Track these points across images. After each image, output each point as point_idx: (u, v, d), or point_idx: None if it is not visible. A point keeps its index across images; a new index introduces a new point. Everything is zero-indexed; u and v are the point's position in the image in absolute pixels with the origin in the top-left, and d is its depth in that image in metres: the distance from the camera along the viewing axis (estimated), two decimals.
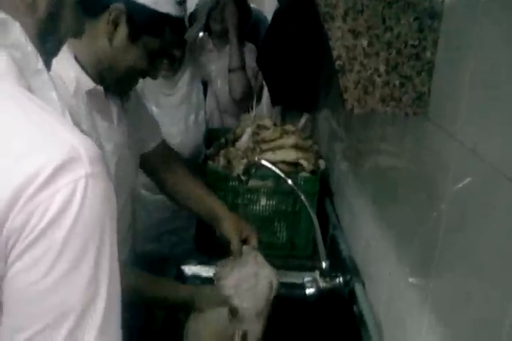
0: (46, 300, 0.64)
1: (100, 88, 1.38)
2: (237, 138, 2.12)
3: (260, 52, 2.63)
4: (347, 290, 1.51)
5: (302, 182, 1.89)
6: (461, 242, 0.86)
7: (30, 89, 0.72)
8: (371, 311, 1.34)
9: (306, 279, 1.55)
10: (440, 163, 0.98)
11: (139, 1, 1.31)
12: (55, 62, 0.85)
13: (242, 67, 2.69)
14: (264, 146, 2.01)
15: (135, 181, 1.67)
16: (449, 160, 0.93)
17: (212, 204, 1.66)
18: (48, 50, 0.80)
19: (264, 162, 1.61)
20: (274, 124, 2.15)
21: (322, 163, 2.02)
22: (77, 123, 1.23)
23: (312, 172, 1.94)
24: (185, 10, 1.48)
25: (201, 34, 2.75)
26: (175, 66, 2.46)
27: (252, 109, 2.46)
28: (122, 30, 1.33)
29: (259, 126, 2.12)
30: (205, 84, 2.64)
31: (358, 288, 1.45)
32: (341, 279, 1.52)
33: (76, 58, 1.35)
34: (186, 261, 1.76)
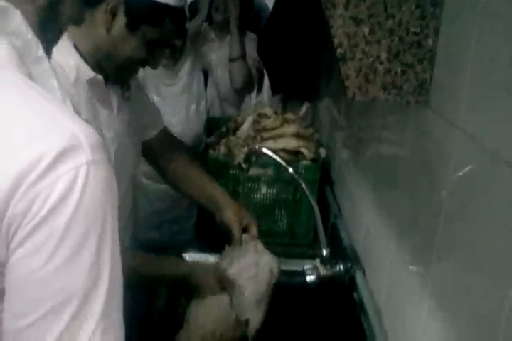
0: (48, 286, 0.65)
1: (100, 77, 1.37)
2: (237, 127, 2.12)
3: (261, 40, 2.62)
4: (347, 278, 1.51)
5: (303, 171, 1.89)
6: (461, 230, 0.87)
7: (30, 77, 0.72)
8: (371, 298, 1.34)
9: (307, 267, 1.55)
10: (441, 150, 0.98)
11: None
12: (55, 50, 0.85)
13: (243, 57, 2.68)
14: (265, 135, 2.01)
15: (136, 169, 1.67)
16: (450, 148, 0.93)
17: (213, 192, 1.66)
18: (48, 38, 0.80)
19: (264, 150, 1.61)
20: (275, 113, 2.15)
21: (323, 152, 2.02)
22: (77, 112, 1.24)
23: (313, 160, 1.94)
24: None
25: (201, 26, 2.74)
26: (176, 55, 2.46)
27: (252, 96, 2.46)
28: (120, 20, 1.32)
29: (259, 115, 2.12)
30: (205, 74, 2.64)
31: (358, 276, 1.46)
32: (342, 267, 1.52)
33: (75, 47, 1.35)
34: (187, 250, 1.77)
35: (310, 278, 1.53)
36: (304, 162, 1.93)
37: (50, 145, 0.63)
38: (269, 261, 1.46)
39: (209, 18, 2.75)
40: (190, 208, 2.48)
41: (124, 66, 1.40)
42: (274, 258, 1.48)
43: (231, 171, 1.93)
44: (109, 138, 1.41)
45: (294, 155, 1.94)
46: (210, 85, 2.65)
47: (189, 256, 1.74)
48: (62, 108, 0.71)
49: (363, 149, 1.62)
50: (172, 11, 1.37)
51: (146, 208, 2.44)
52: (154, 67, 1.47)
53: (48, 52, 0.79)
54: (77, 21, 0.88)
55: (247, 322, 1.37)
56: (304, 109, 2.20)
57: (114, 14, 1.31)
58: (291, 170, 1.60)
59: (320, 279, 1.53)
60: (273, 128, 2.02)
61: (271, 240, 1.87)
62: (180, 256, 1.74)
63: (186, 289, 1.40)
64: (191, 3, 2.66)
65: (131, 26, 1.33)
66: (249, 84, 2.76)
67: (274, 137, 1.98)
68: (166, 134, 1.77)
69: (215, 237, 1.69)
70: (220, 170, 1.91)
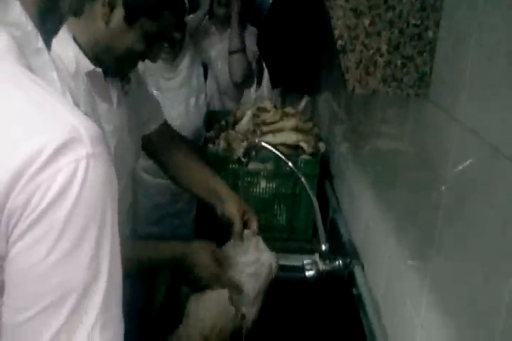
0: (48, 280, 0.64)
1: (99, 70, 1.37)
2: (237, 121, 2.12)
3: (260, 33, 2.62)
4: (346, 273, 1.51)
5: (302, 165, 1.89)
6: (460, 224, 0.87)
7: (30, 69, 0.72)
8: (370, 293, 1.35)
9: (306, 262, 1.55)
10: (441, 144, 0.98)
11: None
12: (55, 42, 0.84)
13: (243, 50, 2.68)
14: (265, 129, 2.00)
15: (136, 163, 1.66)
16: (450, 142, 0.93)
17: (215, 185, 1.65)
18: (48, 30, 0.79)
19: (264, 144, 1.61)
20: (275, 107, 2.15)
21: (322, 146, 2.02)
22: (76, 104, 1.23)
23: (312, 154, 1.94)
24: None
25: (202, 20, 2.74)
26: (175, 49, 2.45)
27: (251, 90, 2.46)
28: (119, 13, 1.32)
29: (259, 109, 2.12)
30: (205, 67, 2.64)
31: (357, 271, 1.46)
32: (341, 262, 1.52)
33: (74, 39, 1.34)
34: None
35: (309, 273, 1.53)
36: (304, 156, 1.93)
37: (50, 137, 0.63)
38: (269, 258, 1.46)
39: (209, 12, 2.74)
40: (190, 203, 2.48)
41: (123, 59, 1.39)
42: (274, 255, 1.48)
43: (230, 165, 1.93)
44: (108, 132, 1.41)
45: (293, 150, 1.94)
46: (210, 79, 2.65)
47: None
48: (62, 100, 0.71)
49: (363, 143, 1.62)
50: (171, 3, 1.36)
51: (146, 203, 2.44)
52: (154, 60, 1.46)
53: (48, 43, 0.78)
54: (77, 12, 0.87)
55: (243, 316, 1.37)
56: (303, 102, 2.19)
57: (112, 7, 1.30)
58: (290, 164, 1.60)
59: (319, 274, 1.53)
60: (272, 122, 2.02)
61: (270, 235, 1.87)
62: None
63: (183, 271, 1.40)
64: None
65: (130, 19, 1.32)
66: (248, 78, 2.76)
67: (274, 131, 1.98)
68: (166, 128, 1.77)
69: (215, 232, 1.69)
70: (219, 165, 1.91)
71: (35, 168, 0.62)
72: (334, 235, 1.68)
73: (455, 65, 0.92)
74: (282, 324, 1.57)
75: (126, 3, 1.31)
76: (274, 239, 1.91)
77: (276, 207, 1.98)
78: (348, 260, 1.51)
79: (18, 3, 0.73)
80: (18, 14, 0.72)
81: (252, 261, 1.44)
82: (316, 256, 1.55)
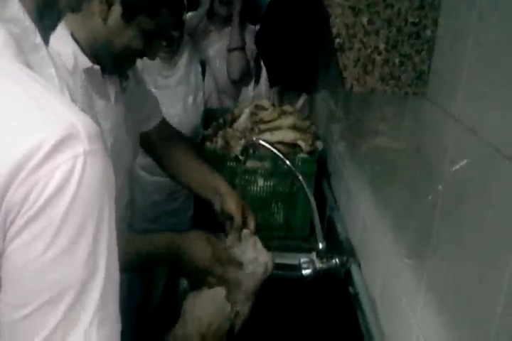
0: (45, 277, 0.64)
1: (97, 67, 1.37)
2: (235, 119, 2.12)
3: (259, 32, 2.62)
4: (343, 271, 1.51)
5: (300, 163, 1.89)
6: (457, 223, 0.87)
7: (28, 65, 0.71)
8: (367, 291, 1.35)
9: (303, 260, 1.55)
10: (438, 143, 0.98)
11: None
12: (53, 38, 0.84)
13: (242, 48, 2.68)
14: (262, 127, 2.00)
15: (134, 161, 1.66)
16: (448, 140, 0.93)
17: (214, 181, 1.65)
18: (46, 25, 0.79)
19: (262, 142, 1.61)
20: (272, 105, 2.15)
21: (320, 144, 2.02)
22: (73, 101, 1.23)
23: (310, 153, 1.94)
24: None
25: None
26: (173, 48, 2.45)
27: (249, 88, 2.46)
28: (116, 10, 1.32)
29: (257, 107, 2.11)
30: (203, 65, 2.64)
31: (354, 269, 1.46)
32: (338, 260, 1.52)
33: (72, 36, 1.34)
34: None
35: (306, 272, 1.53)
36: (301, 154, 1.92)
37: (47, 134, 0.63)
38: (266, 258, 1.46)
39: (208, 11, 2.73)
40: (188, 200, 2.49)
41: (121, 56, 1.39)
42: (270, 255, 1.48)
43: (228, 163, 1.93)
44: (106, 129, 1.40)
45: (290, 148, 1.94)
46: (208, 77, 2.64)
47: None
48: (61, 97, 0.71)
49: (360, 141, 1.62)
50: (169, 2, 1.36)
51: (144, 200, 2.44)
52: (152, 58, 1.46)
53: (46, 39, 0.78)
54: (75, 9, 0.87)
55: (236, 314, 1.37)
56: (301, 101, 2.19)
57: (110, 4, 1.30)
58: (288, 162, 1.60)
59: (316, 273, 1.53)
60: (270, 121, 2.02)
61: (267, 233, 1.88)
62: None
63: (180, 261, 1.39)
64: None
65: (127, 17, 1.32)
66: (246, 76, 2.75)
67: (271, 129, 1.98)
68: (164, 125, 1.77)
69: (212, 230, 1.69)
70: (217, 163, 1.91)
71: (33, 164, 0.62)
72: (331, 233, 1.68)
73: (453, 64, 0.92)
74: (279, 322, 1.57)
75: (123, 0, 1.31)
76: (271, 237, 1.92)
77: (273, 205, 1.98)
78: (344, 258, 1.51)
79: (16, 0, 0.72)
80: (16, 10, 0.72)
81: (250, 260, 1.44)
82: (313, 255, 1.55)
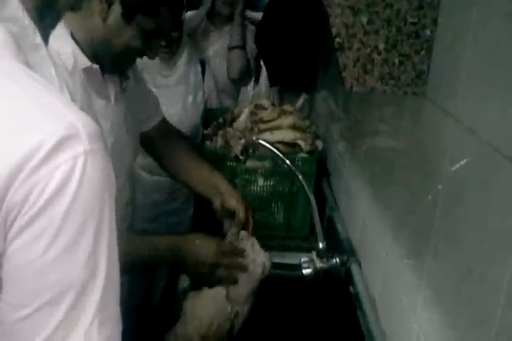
0: (46, 277, 0.64)
1: (96, 66, 1.37)
2: (234, 118, 2.12)
3: (258, 31, 2.62)
4: (343, 271, 1.51)
5: (300, 163, 1.88)
6: (457, 222, 0.87)
7: (28, 65, 0.71)
8: (367, 291, 1.35)
9: (303, 260, 1.55)
10: (438, 142, 0.98)
11: None
12: (52, 37, 0.84)
13: (243, 46, 2.67)
14: (262, 126, 2.00)
15: (134, 160, 1.66)
16: (447, 140, 0.93)
17: (214, 180, 1.65)
18: (45, 25, 0.79)
19: (261, 141, 1.61)
20: (272, 104, 2.15)
21: (319, 144, 2.02)
22: (73, 100, 1.23)
23: (309, 152, 1.94)
24: None
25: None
26: (172, 48, 2.45)
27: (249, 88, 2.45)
28: (116, 10, 1.32)
29: (257, 106, 2.11)
30: (203, 64, 2.63)
31: (354, 268, 1.46)
32: (338, 260, 1.52)
33: (72, 35, 1.34)
34: None
35: (306, 271, 1.53)
36: (301, 154, 1.92)
37: (48, 134, 0.63)
38: (263, 258, 1.47)
39: (209, 12, 2.72)
40: (188, 200, 2.49)
41: (121, 56, 1.39)
42: (268, 255, 1.49)
43: (228, 163, 1.93)
44: (106, 129, 1.41)
45: (290, 147, 1.94)
46: (208, 76, 2.64)
47: None
48: (61, 97, 0.71)
49: (360, 141, 1.62)
50: (169, 1, 1.36)
51: (144, 200, 2.44)
52: (152, 57, 1.46)
53: (45, 39, 0.78)
54: (74, 7, 0.87)
55: (236, 314, 1.38)
56: (301, 100, 2.19)
57: (110, 3, 1.30)
58: (288, 162, 1.60)
59: (316, 272, 1.53)
60: (270, 120, 2.02)
61: (267, 233, 1.88)
62: None
63: (181, 264, 1.40)
64: None
65: (127, 16, 1.32)
66: (245, 75, 2.75)
67: (271, 129, 1.97)
68: (164, 124, 1.77)
69: (212, 230, 1.69)
70: (217, 162, 1.90)
71: (34, 164, 0.62)
72: (331, 233, 1.68)
73: (452, 63, 0.92)
74: (279, 322, 1.57)
75: (123, 0, 1.31)
76: (272, 236, 1.92)
77: (273, 205, 1.97)
78: (345, 258, 1.51)
79: None
80: (16, 9, 0.72)
81: (248, 261, 1.45)
82: (313, 254, 1.55)
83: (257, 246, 1.49)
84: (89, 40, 1.35)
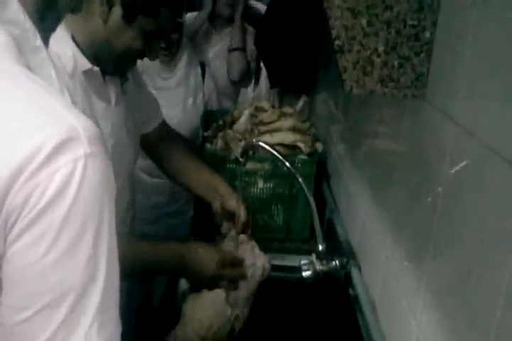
0: (46, 279, 0.64)
1: (96, 69, 1.37)
2: (234, 121, 2.12)
3: (258, 32, 2.62)
4: (343, 273, 1.51)
5: (299, 165, 1.88)
6: (457, 224, 0.87)
7: (28, 67, 0.71)
8: (367, 293, 1.35)
9: (303, 262, 1.55)
10: (437, 145, 0.98)
11: None
12: (53, 40, 0.84)
13: (243, 48, 2.67)
14: (262, 128, 2.00)
15: (134, 162, 1.67)
16: (447, 143, 0.93)
17: (214, 182, 1.66)
18: (45, 27, 0.79)
19: (261, 144, 1.61)
20: (272, 106, 2.15)
21: (319, 146, 2.02)
22: (73, 103, 1.23)
23: (309, 154, 1.94)
24: None
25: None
26: (172, 50, 2.45)
27: (249, 90, 2.45)
28: (117, 11, 1.32)
29: (257, 108, 2.11)
30: (202, 66, 2.63)
31: (354, 271, 1.46)
32: (338, 262, 1.52)
33: (73, 38, 1.34)
34: None
35: (306, 273, 1.53)
36: (301, 156, 1.92)
37: (48, 137, 0.63)
38: (263, 261, 1.47)
39: (210, 13, 2.72)
40: (188, 203, 2.49)
41: (122, 57, 1.39)
42: (267, 258, 1.49)
43: (228, 165, 1.93)
44: (106, 131, 1.41)
45: (290, 150, 1.94)
46: (208, 78, 2.64)
47: None
48: (61, 99, 0.71)
49: (360, 143, 1.62)
50: (169, 1, 1.37)
51: (143, 202, 2.44)
52: (152, 58, 1.46)
53: (46, 41, 0.78)
54: (74, 10, 0.87)
55: (237, 317, 1.38)
56: (300, 102, 2.19)
57: (110, 5, 1.31)
58: (287, 164, 1.60)
59: (316, 274, 1.53)
60: (270, 122, 2.02)
61: (267, 235, 1.88)
62: None
63: (182, 273, 1.40)
64: None
65: (128, 17, 1.32)
66: (245, 77, 2.75)
67: (271, 131, 1.98)
68: (164, 127, 1.77)
69: (212, 232, 1.69)
70: (217, 164, 1.91)
71: (34, 167, 0.62)
72: (331, 235, 1.68)
73: (452, 66, 0.92)
74: (279, 324, 1.57)
75: (123, 1, 1.31)
76: (271, 239, 1.92)
77: (273, 207, 1.97)
78: (344, 260, 1.51)
79: (16, 1, 0.72)
80: (16, 12, 0.72)
81: (249, 264, 1.45)
82: (313, 257, 1.55)
83: (257, 249, 1.49)
84: (90, 42, 1.35)
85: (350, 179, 1.70)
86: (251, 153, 1.85)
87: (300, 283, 1.55)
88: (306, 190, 1.58)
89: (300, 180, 1.58)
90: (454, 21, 0.93)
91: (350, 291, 1.44)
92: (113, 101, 1.45)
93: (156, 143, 1.74)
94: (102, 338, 0.67)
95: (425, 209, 1.00)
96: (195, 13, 2.69)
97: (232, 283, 1.41)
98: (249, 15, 2.82)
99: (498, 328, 0.71)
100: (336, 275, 1.52)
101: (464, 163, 0.85)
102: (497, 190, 0.74)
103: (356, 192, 1.58)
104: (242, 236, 1.52)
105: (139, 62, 1.49)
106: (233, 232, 1.54)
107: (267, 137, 1.94)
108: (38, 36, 0.74)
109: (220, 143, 2.00)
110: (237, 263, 1.42)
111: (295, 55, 2.32)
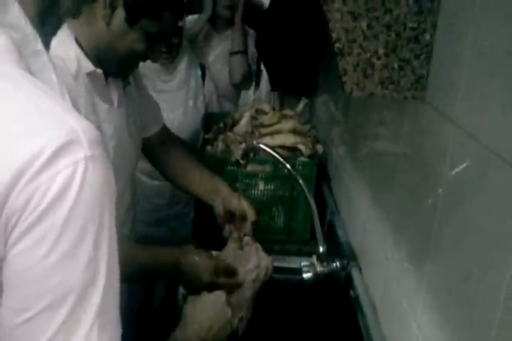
0: (47, 281, 0.64)
1: (99, 71, 1.38)
2: (235, 123, 2.12)
3: (259, 35, 2.62)
4: (344, 275, 1.51)
5: (300, 167, 1.89)
6: (457, 226, 0.87)
7: (29, 71, 0.72)
8: (367, 295, 1.35)
9: (304, 264, 1.55)
10: (438, 147, 0.98)
11: None
12: (55, 42, 0.85)
13: (244, 51, 2.67)
14: (263, 131, 2.01)
15: (136, 165, 1.67)
16: (447, 144, 0.93)
17: (215, 184, 1.66)
18: (46, 30, 0.79)
19: (262, 146, 1.61)
20: (273, 109, 2.15)
21: (320, 148, 2.02)
22: (76, 105, 1.23)
23: (310, 156, 1.94)
24: None
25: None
26: (172, 53, 2.45)
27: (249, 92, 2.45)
28: (120, 14, 1.33)
29: (257, 111, 2.12)
30: (203, 69, 2.63)
31: (354, 272, 1.46)
32: (338, 264, 1.52)
33: (76, 40, 1.35)
34: None
35: (307, 275, 1.53)
36: (301, 158, 1.92)
37: (48, 140, 0.63)
38: (267, 262, 1.47)
39: (210, 17, 2.72)
40: (188, 205, 2.48)
41: (124, 59, 1.40)
42: (271, 259, 1.49)
43: (229, 167, 1.93)
44: (108, 132, 1.42)
45: (291, 152, 1.94)
46: (208, 80, 2.65)
47: None
48: (62, 103, 0.71)
49: (360, 145, 1.62)
50: (171, 4, 1.37)
51: (144, 205, 2.44)
52: (154, 60, 1.47)
53: (46, 45, 0.79)
54: (75, 14, 0.87)
55: (241, 318, 1.38)
56: (301, 105, 2.19)
57: (113, 8, 1.31)
58: (288, 166, 1.60)
59: (316, 276, 1.53)
60: (270, 125, 2.02)
61: (268, 237, 1.88)
62: None
63: (180, 279, 1.40)
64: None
65: (131, 20, 1.33)
66: (247, 80, 2.75)
67: (272, 133, 1.98)
68: (165, 131, 1.78)
69: (213, 234, 1.69)
70: (217, 167, 1.91)
71: (34, 170, 0.62)
72: (332, 237, 1.68)
73: (452, 68, 0.92)
74: (280, 326, 1.57)
75: (127, 4, 1.32)
76: (272, 241, 1.92)
77: (274, 209, 1.97)
78: (345, 262, 1.51)
79: (16, 5, 0.73)
80: (17, 16, 0.72)
81: (254, 267, 1.45)
82: (314, 258, 1.55)
83: (261, 251, 1.49)
84: (93, 44, 1.36)
85: (350, 181, 1.70)
86: (252, 155, 1.85)
87: (301, 285, 1.55)
88: (306, 191, 1.58)
89: (301, 182, 1.58)
90: (453, 24, 0.93)
91: (351, 293, 1.44)
92: (115, 103, 1.45)
93: (155, 147, 1.74)
94: (102, 340, 0.67)
95: (426, 211, 1.00)
96: (195, 16, 2.70)
97: (227, 292, 1.40)
98: (250, 16, 2.82)
99: (498, 329, 0.71)
100: (336, 276, 1.53)
101: (464, 164, 0.85)
102: (497, 191, 0.74)
103: (357, 194, 1.59)
104: (247, 238, 1.52)
105: (139, 65, 1.49)
106: (236, 235, 1.54)
107: (268, 139, 1.94)
108: (39, 40, 0.74)
109: (220, 145, 2.00)
110: (231, 272, 1.41)
111: (296, 57, 2.33)
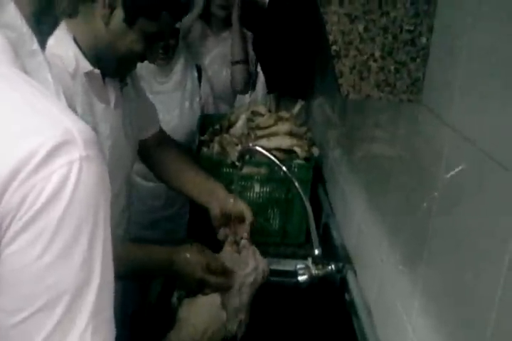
0: (42, 281, 0.64)
1: (97, 71, 1.38)
2: (231, 125, 2.12)
3: (256, 38, 2.62)
4: (339, 277, 1.51)
5: (296, 169, 1.89)
6: (452, 229, 0.87)
7: (25, 71, 0.72)
8: (362, 297, 1.35)
9: (299, 266, 1.55)
10: (433, 149, 0.98)
11: None
12: (53, 41, 0.85)
13: (245, 60, 2.67)
14: (259, 133, 2.01)
15: (132, 166, 1.66)
16: (442, 147, 0.93)
17: (210, 185, 1.65)
18: (42, 30, 0.79)
19: (258, 148, 1.61)
20: (269, 111, 2.15)
21: (316, 150, 2.02)
22: (72, 104, 1.23)
23: (306, 159, 1.94)
24: None
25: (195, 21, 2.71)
26: (169, 54, 2.45)
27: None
28: (118, 14, 1.33)
29: (253, 113, 2.12)
30: (199, 70, 2.63)
31: (349, 275, 1.46)
32: (333, 266, 1.52)
33: (75, 40, 1.35)
34: None
35: (302, 278, 1.53)
36: (297, 161, 1.93)
37: (43, 140, 0.63)
38: (264, 265, 1.47)
39: (205, 15, 2.71)
40: (184, 206, 2.48)
41: (123, 60, 1.40)
42: (267, 262, 1.49)
43: (224, 169, 1.93)
44: (105, 132, 1.42)
45: (287, 154, 1.94)
46: (204, 82, 2.64)
47: None
48: (57, 103, 0.71)
49: (356, 148, 1.62)
50: (170, 4, 1.38)
51: (139, 206, 2.43)
52: (152, 60, 1.47)
53: (42, 45, 0.78)
54: (71, 13, 0.88)
55: (240, 322, 1.38)
56: (297, 107, 2.19)
57: (112, 8, 1.31)
58: (284, 168, 1.60)
59: (312, 279, 1.53)
60: (266, 127, 2.02)
61: (263, 240, 1.87)
62: None
63: (174, 277, 1.40)
64: None
65: (129, 20, 1.33)
66: (248, 86, 2.76)
67: (268, 135, 1.98)
68: (161, 134, 1.78)
69: (208, 236, 1.69)
70: (213, 169, 1.91)
71: (29, 169, 0.62)
72: (327, 240, 1.68)
73: (448, 71, 0.92)
74: (275, 329, 1.56)
75: (126, 4, 1.32)
76: (267, 243, 1.92)
77: (269, 211, 1.97)
78: (340, 265, 1.51)
79: (12, 4, 0.73)
80: (13, 15, 0.72)
81: (251, 270, 1.45)
82: (309, 261, 1.55)
83: (258, 254, 1.49)
84: (92, 44, 1.36)
85: (346, 183, 1.70)
86: (247, 157, 1.85)
87: (296, 288, 1.55)
88: (302, 194, 1.58)
89: (296, 184, 1.58)
90: (449, 26, 0.93)
91: (346, 295, 1.44)
92: (112, 104, 1.45)
93: (151, 149, 1.74)
94: (96, 340, 0.67)
95: (421, 214, 1.00)
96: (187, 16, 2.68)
97: (216, 291, 1.39)
98: (247, 17, 2.81)
99: (493, 332, 0.71)
100: (331, 279, 1.53)
101: (460, 167, 0.85)
102: (493, 194, 0.74)
103: (352, 197, 1.59)
104: (244, 242, 1.52)
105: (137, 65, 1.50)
106: (232, 238, 1.54)
107: (264, 141, 1.94)
108: (35, 40, 0.74)
109: (216, 147, 2.00)
110: (224, 271, 1.41)
111: (292, 59, 2.33)
